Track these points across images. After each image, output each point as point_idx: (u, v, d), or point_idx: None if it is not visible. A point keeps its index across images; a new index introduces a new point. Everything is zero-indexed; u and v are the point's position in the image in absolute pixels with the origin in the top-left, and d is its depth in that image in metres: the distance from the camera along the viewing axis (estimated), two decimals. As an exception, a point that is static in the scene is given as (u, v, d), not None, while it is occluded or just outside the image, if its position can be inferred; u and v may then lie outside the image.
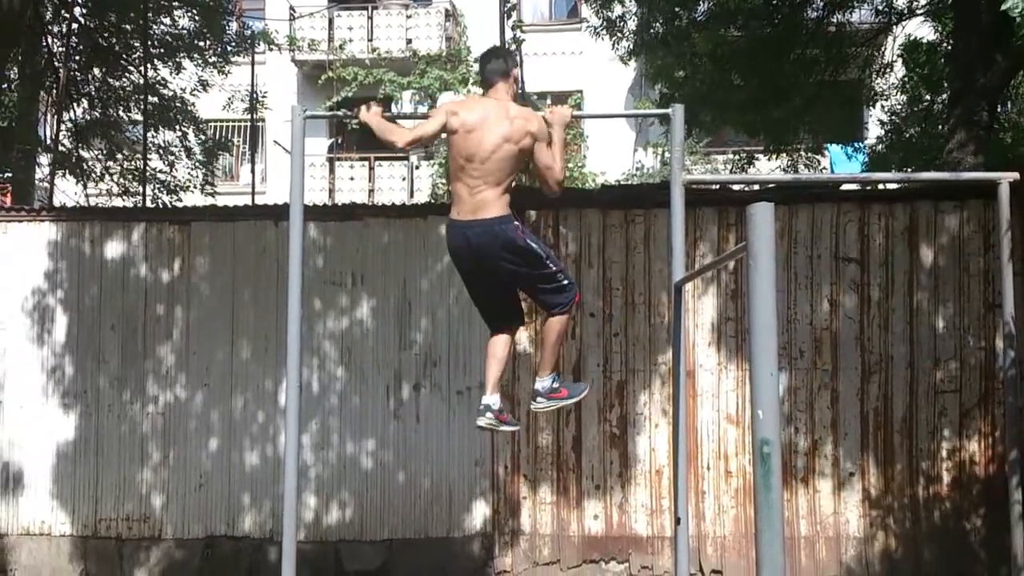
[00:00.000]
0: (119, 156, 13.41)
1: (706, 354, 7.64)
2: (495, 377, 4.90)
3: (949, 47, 12.39)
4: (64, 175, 12.56)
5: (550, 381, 4.92)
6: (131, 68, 13.02)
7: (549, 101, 5.65)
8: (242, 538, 7.77)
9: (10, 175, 12.42)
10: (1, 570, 7.84)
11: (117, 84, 13.11)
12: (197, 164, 13.88)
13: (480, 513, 7.67)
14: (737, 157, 15.04)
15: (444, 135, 4.74)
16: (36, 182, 13.20)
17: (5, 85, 10.94)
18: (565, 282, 4.84)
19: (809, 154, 14.48)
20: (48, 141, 12.78)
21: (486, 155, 4.57)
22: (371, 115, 4.80)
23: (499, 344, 4.96)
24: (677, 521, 4.81)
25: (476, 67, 14.71)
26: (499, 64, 4.84)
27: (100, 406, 7.91)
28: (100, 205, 12.63)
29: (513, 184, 4.73)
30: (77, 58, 12.45)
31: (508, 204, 4.66)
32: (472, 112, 4.67)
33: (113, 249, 8.04)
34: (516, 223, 4.68)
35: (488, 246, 4.65)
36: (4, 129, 12.07)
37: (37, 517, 7.88)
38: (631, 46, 12.72)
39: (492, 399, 4.88)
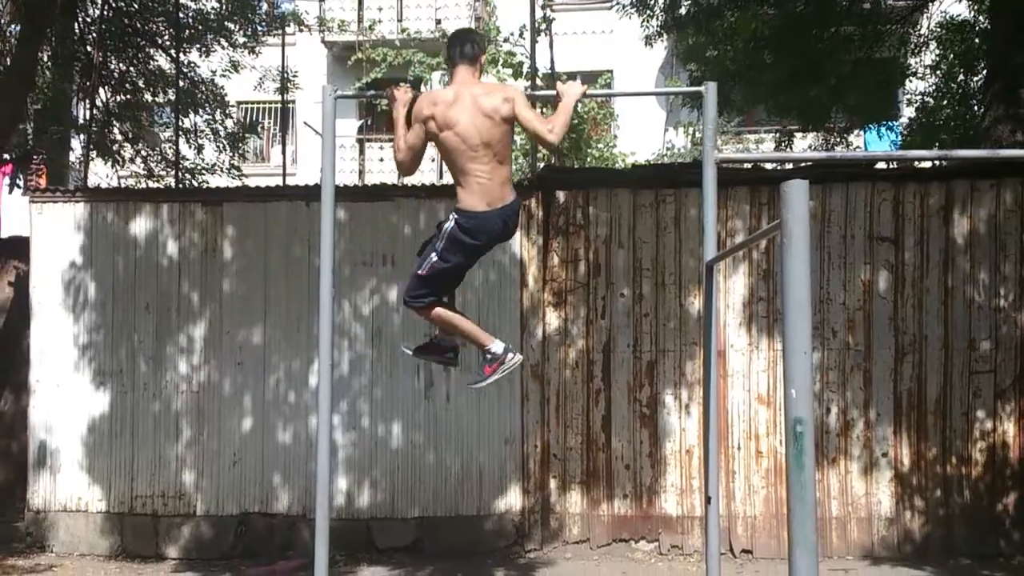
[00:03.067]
0: (144, 139, 13.48)
1: (737, 334, 7.60)
2: (476, 329, 5.01)
3: (986, 25, 12.18)
4: (95, 157, 12.66)
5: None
6: (161, 51, 13.08)
7: (580, 80, 5.61)
8: (275, 515, 7.86)
9: (44, 156, 12.54)
10: (40, 546, 7.99)
11: (148, 67, 13.18)
12: (224, 147, 13.94)
13: (510, 492, 7.70)
14: (776, 136, 14.85)
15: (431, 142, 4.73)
16: (70, 163, 13.32)
17: (38, 68, 11.02)
18: None
19: (843, 135, 14.28)
20: (81, 121, 12.88)
21: (485, 138, 4.57)
22: (398, 103, 4.80)
23: (453, 307, 5.06)
24: (708, 500, 4.80)
25: (505, 48, 14.71)
26: (469, 49, 4.77)
27: (135, 385, 8.01)
28: (131, 187, 12.76)
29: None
30: (108, 42, 12.52)
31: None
32: (445, 108, 4.60)
33: (146, 229, 8.12)
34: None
35: (514, 226, 4.78)
36: (38, 111, 12.17)
37: (74, 494, 8.01)
38: (661, 25, 12.60)
39: (497, 344, 4.94)
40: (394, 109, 4.83)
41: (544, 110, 13.04)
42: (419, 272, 4.84)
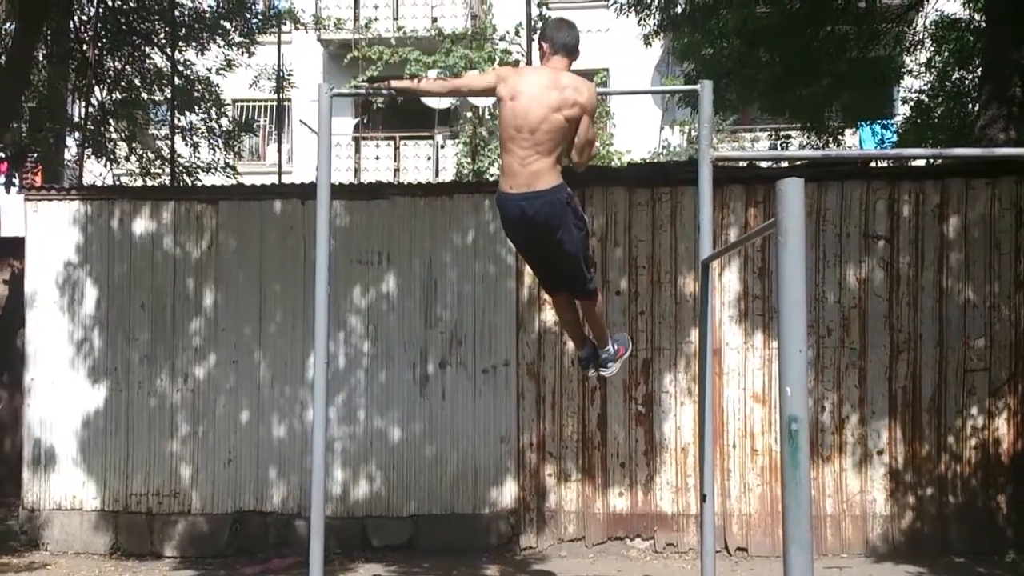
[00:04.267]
0: (139, 140, 13.46)
1: (732, 332, 7.62)
2: (578, 334, 5.20)
3: (981, 23, 12.20)
4: (90, 156, 12.64)
5: (613, 349, 5.14)
6: (157, 49, 13.07)
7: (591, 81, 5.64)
8: (270, 513, 7.86)
9: (40, 155, 12.52)
10: (34, 544, 7.98)
11: (143, 65, 13.16)
12: (218, 146, 13.93)
13: (506, 490, 7.71)
14: (770, 135, 14.88)
15: (492, 100, 4.76)
16: (65, 162, 13.31)
17: (33, 66, 11.00)
18: (593, 271, 4.95)
19: (835, 135, 14.30)
20: (76, 120, 12.87)
21: (535, 125, 4.44)
22: (401, 81, 4.92)
23: (563, 303, 5.07)
24: (703, 498, 4.81)
25: (501, 45, 14.71)
26: (568, 37, 4.69)
27: (130, 382, 8.00)
28: (127, 185, 12.75)
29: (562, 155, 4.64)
30: (104, 40, 12.50)
31: (560, 173, 4.58)
32: (523, 80, 4.55)
33: (142, 227, 8.11)
34: (570, 192, 4.62)
35: (548, 216, 4.56)
36: (33, 109, 12.16)
37: (68, 492, 8.00)
38: (657, 23, 12.60)
39: (586, 350, 5.17)
40: (403, 82, 5.02)
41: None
42: None
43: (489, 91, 4.69)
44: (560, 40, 4.66)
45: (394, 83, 4.98)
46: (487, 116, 16.56)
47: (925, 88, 14.40)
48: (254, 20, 13.74)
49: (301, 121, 19.51)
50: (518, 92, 4.50)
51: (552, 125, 4.45)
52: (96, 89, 12.39)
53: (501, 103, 4.57)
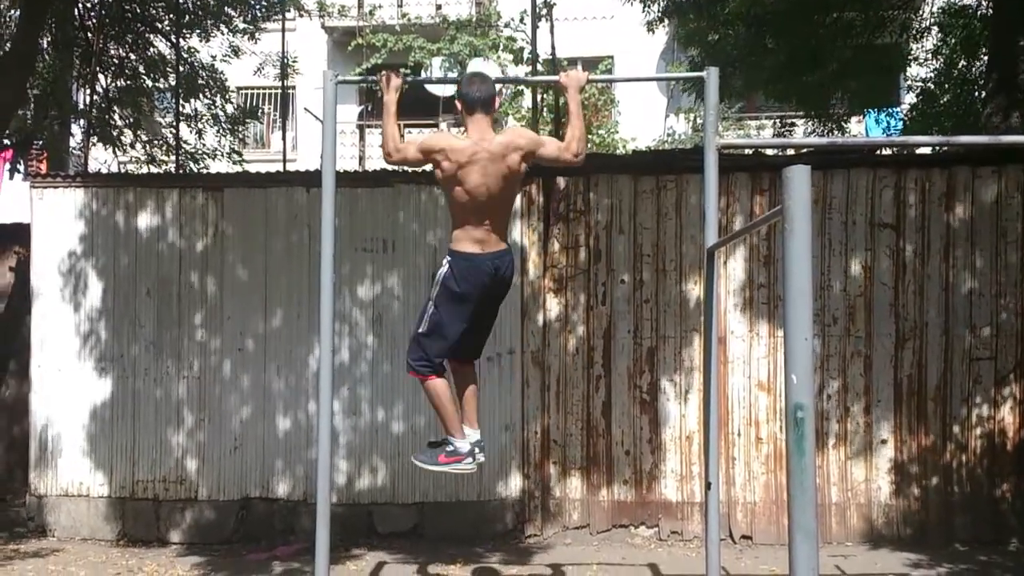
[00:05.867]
0: (144, 127, 13.45)
1: (738, 320, 7.61)
2: (456, 418, 4.80)
3: (988, 10, 12.13)
4: (95, 143, 12.64)
5: (453, 447, 4.79)
6: (161, 36, 13.05)
7: (580, 67, 5.62)
8: (276, 500, 7.88)
9: (45, 142, 12.53)
10: (42, 530, 8.02)
11: (148, 53, 13.14)
12: (224, 131, 13.92)
13: (510, 478, 7.72)
14: (775, 124, 14.82)
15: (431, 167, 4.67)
16: (70, 149, 13.31)
17: (38, 53, 10.99)
18: None
19: (841, 122, 14.23)
20: (81, 107, 12.86)
21: (486, 200, 4.54)
22: (389, 93, 4.71)
23: (472, 373, 4.92)
24: (708, 486, 4.82)
25: (506, 33, 14.65)
26: (480, 92, 4.63)
27: (136, 370, 8.01)
28: (131, 172, 12.76)
29: None
30: (108, 27, 12.48)
31: None
32: (463, 157, 4.50)
33: (147, 215, 8.11)
34: None
35: (511, 273, 4.73)
36: (38, 96, 12.15)
37: (76, 479, 8.03)
38: (662, 10, 12.55)
39: (465, 444, 4.80)
40: (385, 95, 4.72)
41: (545, 95, 13.03)
42: (419, 331, 4.71)
43: (426, 162, 4.64)
44: (473, 97, 4.63)
45: (383, 86, 4.77)
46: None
47: (931, 75, 14.33)
48: (258, 7, 13.70)
49: (305, 109, 19.49)
50: (461, 178, 4.51)
51: (506, 189, 4.58)
52: (101, 76, 12.38)
53: (445, 182, 4.58)
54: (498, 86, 4.78)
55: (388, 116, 4.70)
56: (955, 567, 6.76)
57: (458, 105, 4.73)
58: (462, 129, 4.77)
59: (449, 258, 4.64)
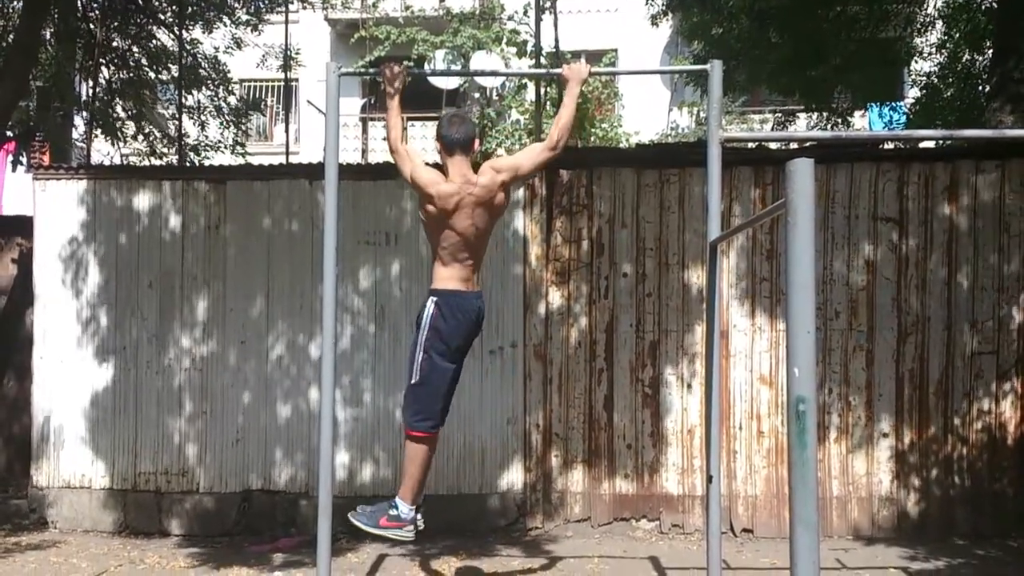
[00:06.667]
0: (146, 118, 13.45)
1: (740, 314, 7.60)
2: (421, 483, 4.73)
3: (993, 3, 12.11)
4: (98, 135, 12.66)
5: (396, 511, 4.72)
6: (163, 28, 13.05)
7: (584, 60, 5.62)
8: (278, 492, 7.89)
9: (47, 133, 12.54)
10: (43, 522, 8.03)
11: (150, 44, 13.15)
12: (227, 124, 13.92)
13: (512, 470, 7.73)
14: (776, 115, 14.83)
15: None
16: (72, 141, 13.33)
17: (40, 45, 10.99)
18: None
19: (844, 116, 14.22)
20: (84, 99, 12.87)
21: (474, 238, 4.62)
22: (392, 85, 4.72)
23: (433, 449, 4.77)
24: (709, 479, 4.83)
25: (510, 26, 14.65)
26: (460, 133, 4.65)
27: (138, 361, 8.02)
28: (134, 164, 12.78)
29: None
30: (111, 19, 12.48)
31: None
32: (450, 204, 4.54)
33: (150, 207, 8.11)
34: None
35: (483, 318, 4.77)
36: (41, 88, 12.16)
37: (77, 471, 8.05)
38: (665, 3, 12.54)
39: (410, 512, 4.71)
40: (388, 88, 4.74)
41: (548, 89, 13.02)
42: (413, 382, 4.60)
43: (416, 184, 4.64)
44: (453, 138, 4.65)
45: (386, 77, 4.77)
46: (495, 97, 16.51)
47: (935, 70, 14.31)
48: (261, 0, 13.71)
49: (308, 101, 19.48)
50: (447, 220, 4.55)
51: (489, 228, 4.70)
52: (103, 68, 12.38)
53: (431, 214, 4.60)
54: (476, 125, 4.83)
55: (391, 109, 4.72)
56: (955, 561, 6.76)
57: (437, 145, 4.75)
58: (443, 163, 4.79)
59: (436, 298, 4.59)
